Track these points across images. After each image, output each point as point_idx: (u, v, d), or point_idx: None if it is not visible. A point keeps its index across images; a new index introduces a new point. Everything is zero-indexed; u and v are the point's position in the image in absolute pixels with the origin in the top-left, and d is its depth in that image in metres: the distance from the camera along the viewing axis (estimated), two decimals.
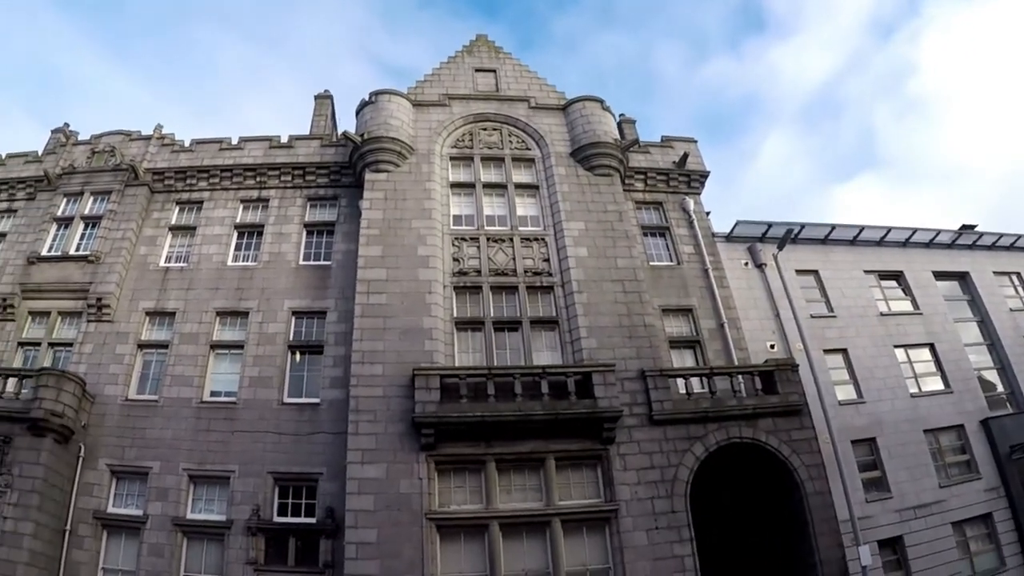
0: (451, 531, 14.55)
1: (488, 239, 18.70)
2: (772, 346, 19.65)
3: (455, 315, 17.42)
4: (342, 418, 16.20)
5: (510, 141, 21.07)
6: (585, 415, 15.25)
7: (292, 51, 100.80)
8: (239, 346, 18.53)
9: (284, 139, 21.56)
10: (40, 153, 23.63)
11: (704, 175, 22.31)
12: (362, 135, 19.85)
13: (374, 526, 14.20)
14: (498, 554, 14.23)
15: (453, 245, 18.54)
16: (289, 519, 16.01)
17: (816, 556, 15.35)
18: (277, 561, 15.48)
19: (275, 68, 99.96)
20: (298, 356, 18.35)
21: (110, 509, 16.78)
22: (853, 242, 23.13)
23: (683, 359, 18.67)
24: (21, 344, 19.56)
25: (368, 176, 19.42)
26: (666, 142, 22.99)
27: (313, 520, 15.80)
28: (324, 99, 24.35)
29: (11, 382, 17.11)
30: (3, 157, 23.62)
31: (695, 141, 23.20)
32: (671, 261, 20.50)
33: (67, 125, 24.90)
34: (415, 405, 15.12)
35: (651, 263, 20.16)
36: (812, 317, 20.72)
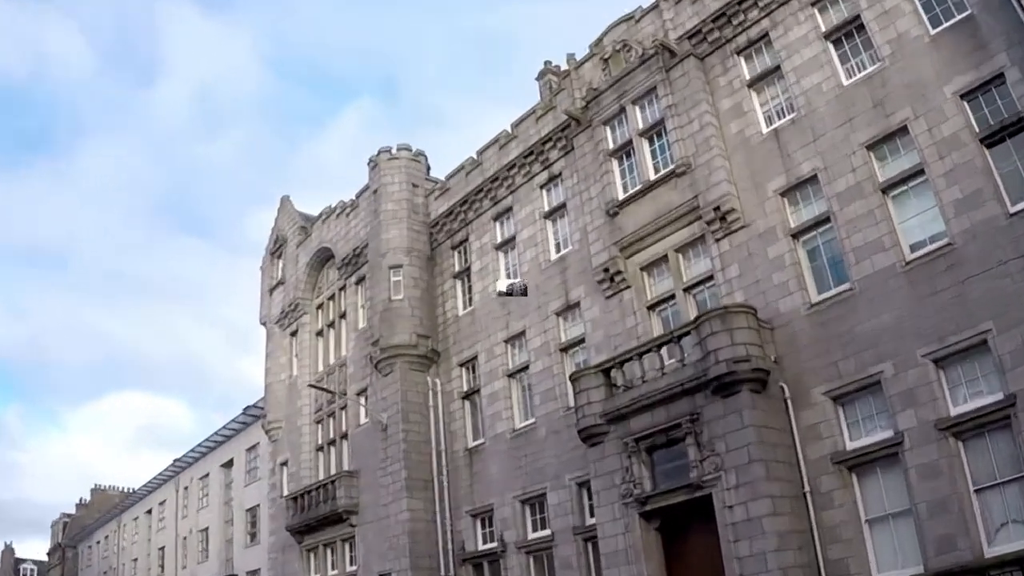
0: None
1: None
2: None
3: None
4: None
5: None
6: None
7: None
8: (917, 172, 13.46)
9: None
10: (546, 101, 21.55)
11: None
12: None
13: None
14: None
15: None
16: None
17: None
18: None
19: None
20: (987, 150, 12.52)
21: (849, 445, 13.31)
22: None
23: None
24: (651, 308, 17.36)
25: None
26: None
27: None
28: None
29: (664, 351, 14.91)
30: (512, 130, 22.06)
31: None
32: None
33: (549, 62, 23.01)
34: None
35: None
36: None
